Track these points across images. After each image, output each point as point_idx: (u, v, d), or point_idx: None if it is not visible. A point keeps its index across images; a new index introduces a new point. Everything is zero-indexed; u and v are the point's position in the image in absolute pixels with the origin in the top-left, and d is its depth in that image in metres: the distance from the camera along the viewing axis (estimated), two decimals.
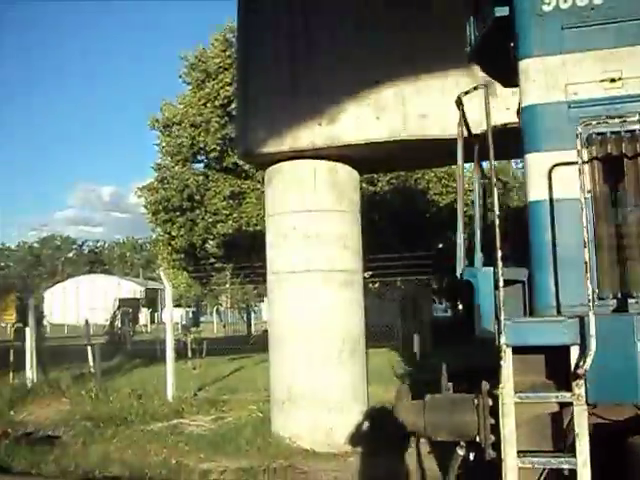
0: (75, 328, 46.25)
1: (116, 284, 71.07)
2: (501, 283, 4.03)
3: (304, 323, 9.15)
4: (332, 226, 9.32)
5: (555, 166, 4.23)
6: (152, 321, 53.23)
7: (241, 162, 24.77)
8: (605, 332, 3.76)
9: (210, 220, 26.28)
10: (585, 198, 3.94)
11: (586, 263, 3.77)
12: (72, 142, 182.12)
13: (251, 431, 9.69)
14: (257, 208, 24.47)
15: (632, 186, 4.06)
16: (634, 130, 4.06)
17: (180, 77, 28.45)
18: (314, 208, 9.28)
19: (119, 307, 33.47)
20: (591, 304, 3.72)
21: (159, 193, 26.83)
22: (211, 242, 27.52)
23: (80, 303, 74.50)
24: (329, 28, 9.19)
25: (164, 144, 27.72)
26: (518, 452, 3.88)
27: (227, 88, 26.20)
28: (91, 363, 17.26)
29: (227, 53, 26.85)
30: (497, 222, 4.18)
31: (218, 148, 26.21)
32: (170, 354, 13.22)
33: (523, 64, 4.53)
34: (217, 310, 39.13)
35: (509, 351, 3.97)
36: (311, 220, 9.26)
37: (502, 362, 3.95)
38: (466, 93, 4.70)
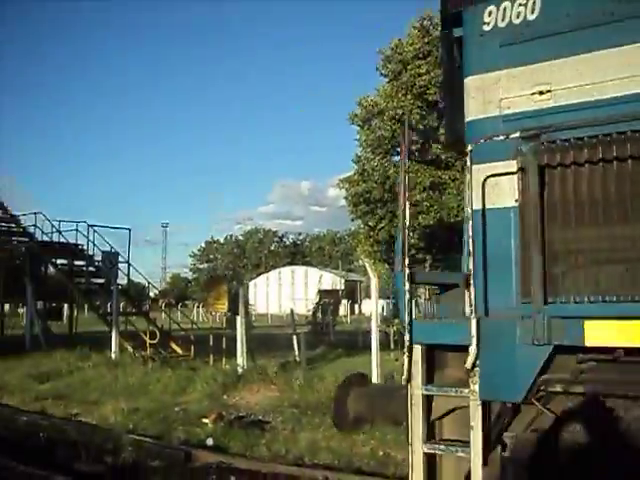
0: (278, 318, 48.45)
1: (318, 275, 73.25)
2: (406, 286, 4.44)
3: None
4: None
5: (488, 177, 4.47)
6: (351, 312, 54.25)
7: (442, 153, 24.13)
8: (493, 335, 4.11)
9: (410, 211, 25.84)
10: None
11: (471, 271, 4.25)
12: (274, 140, 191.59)
13: None
14: (457, 199, 23.75)
15: (557, 195, 4.18)
16: (559, 140, 4.20)
17: (377, 69, 28.40)
18: None
19: (321, 298, 34.28)
20: (473, 308, 4.12)
21: (360, 185, 27.00)
22: (412, 234, 27.16)
23: (282, 293, 78.08)
24: None
25: (364, 137, 27.84)
26: (441, 440, 4.46)
27: (423, 77, 25.72)
28: (296, 352, 17.67)
29: (425, 40, 26.33)
30: (406, 229, 4.68)
31: (420, 140, 25.80)
32: (375, 344, 13.08)
33: (466, 82, 4.80)
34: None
35: (418, 348, 4.43)
36: None
37: (405, 357, 4.42)
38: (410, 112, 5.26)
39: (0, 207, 27.90)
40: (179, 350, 21.53)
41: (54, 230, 25.79)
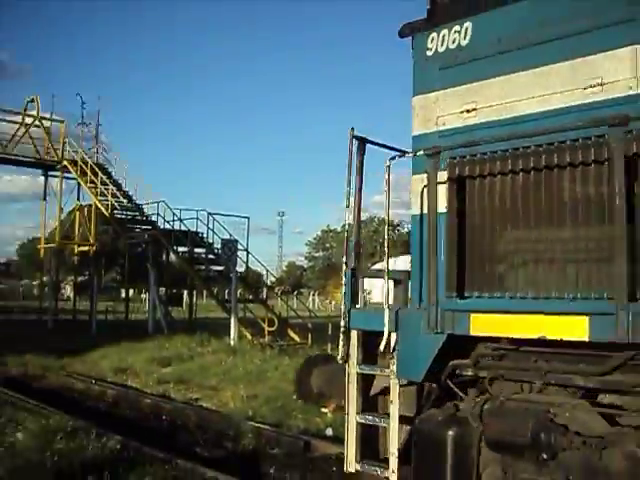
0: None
1: None
2: (344, 280, 5.44)
3: None
4: None
5: (425, 186, 4.98)
6: None
7: None
8: (406, 324, 4.89)
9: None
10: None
11: (387, 269, 5.11)
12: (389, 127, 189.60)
13: None
14: None
15: (476, 201, 4.71)
16: (480, 154, 4.69)
17: None
18: None
19: None
20: (386, 300, 4.90)
21: None
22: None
23: None
24: None
25: None
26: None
27: None
28: None
29: None
30: (354, 235, 5.66)
31: None
32: None
33: (412, 101, 5.41)
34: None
35: (354, 332, 5.31)
36: None
37: (341, 341, 5.29)
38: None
39: (126, 197, 29.03)
40: (297, 338, 21.54)
41: (175, 218, 26.46)
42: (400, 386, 5.04)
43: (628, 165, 3.97)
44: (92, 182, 28.28)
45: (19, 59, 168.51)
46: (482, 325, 4.54)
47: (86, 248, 31.04)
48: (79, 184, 30.16)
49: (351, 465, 5.35)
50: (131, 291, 35.68)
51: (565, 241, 4.33)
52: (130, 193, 29.34)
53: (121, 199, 28.38)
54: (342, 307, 5.40)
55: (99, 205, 27.93)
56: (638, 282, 3.98)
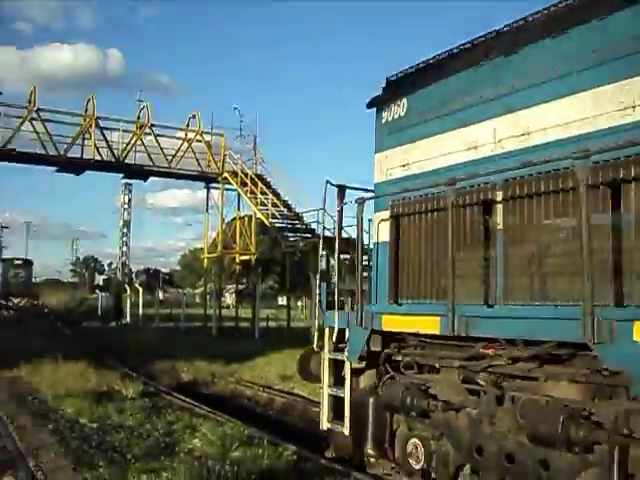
0: None
1: None
2: (317, 290, 8.17)
3: None
4: None
5: (380, 221, 7.22)
6: None
7: None
8: (351, 322, 7.07)
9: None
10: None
11: (359, 285, 7.06)
12: None
13: None
14: None
15: (406, 234, 6.80)
16: (407, 198, 6.73)
17: None
18: None
19: None
20: (355, 304, 7.09)
21: None
22: None
23: None
24: None
25: None
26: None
27: None
28: None
29: None
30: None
31: None
32: None
33: (374, 157, 7.53)
34: None
35: (328, 329, 7.47)
36: None
37: (316, 335, 7.74)
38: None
39: (285, 206, 29.43)
40: None
41: (335, 226, 26.28)
42: (363, 369, 7.21)
43: (488, 207, 5.91)
44: (252, 192, 28.96)
45: (179, 79, 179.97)
46: (388, 323, 6.64)
47: (247, 257, 31.84)
48: (239, 195, 31.02)
49: (324, 424, 7.64)
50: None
51: (438, 263, 6.26)
52: (289, 202, 29.75)
53: (280, 208, 28.81)
54: (316, 311, 8.03)
55: (259, 214, 28.51)
56: (458, 293, 5.73)
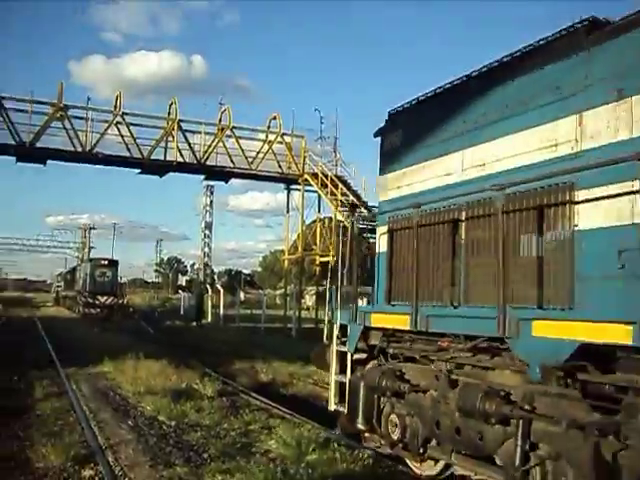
0: None
1: None
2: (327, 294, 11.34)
3: None
4: None
5: (382, 234, 8.38)
6: None
7: None
8: (351, 319, 8.29)
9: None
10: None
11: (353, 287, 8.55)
12: None
13: None
14: None
15: (397, 246, 8.01)
16: (400, 215, 7.86)
17: None
18: None
19: None
20: (353, 304, 8.38)
21: None
22: None
23: None
24: None
25: None
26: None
27: None
28: None
29: None
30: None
31: None
32: None
33: (377, 179, 9.06)
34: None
35: (337, 325, 8.74)
36: None
37: (326, 329, 9.63)
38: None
39: (366, 208, 29.18)
40: None
41: None
42: (366, 359, 8.45)
43: (455, 227, 7.09)
44: (332, 194, 28.83)
45: (260, 83, 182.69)
46: (375, 321, 7.95)
47: (327, 259, 31.75)
48: (319, 196, 30.96)
49: (331, 406, 8.91)
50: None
51: (410, 271, 7.33)
52: (369, 203, 29.49)
53: (361, 209, 28.57)
54: (328, 310, 9.93)
55: (340, 216, 28.36)
56: (421, 294, 7.07)
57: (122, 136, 27.72)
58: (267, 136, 30.94)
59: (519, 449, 5.61)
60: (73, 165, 31.13)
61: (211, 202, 53.27)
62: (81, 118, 27.41)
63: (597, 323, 4.97)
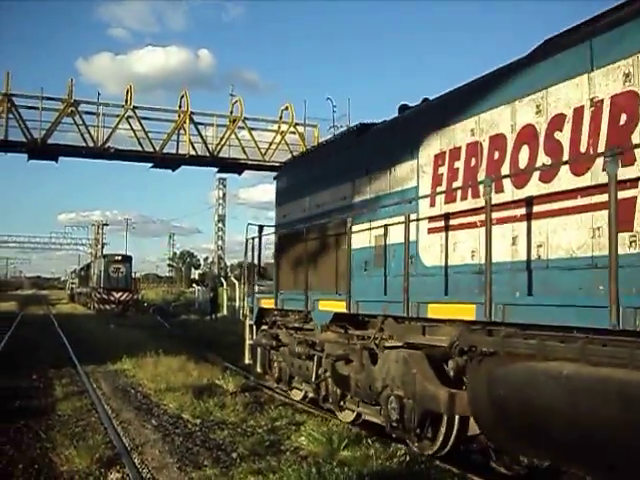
0: None
1: None
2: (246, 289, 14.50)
3: None
4: None
5: (275, 243, 13.29)
6: None
7: None
8: (255, 302, 12.82)
9: None
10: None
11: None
12: None
13: None
14: None
15: (281, 250, 12.60)
16: (282, 232, 12.39)
17: None
18: None
19: None
20: (249, 293, 13.50)
21: None
22: None
23: None
24: None
25: None
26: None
27: None
28: None
29: None
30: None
31: None
32: None
33: (275, 209, 13.41)
34: None
35: (246, 307, 13.57)
36: None
37: (243, 309, 14.94)
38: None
39: None
40: None
41: None
42: (268, 329, 12.30)
43: (303, 242, 10.58)
44: None
45: (266, 77, 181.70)
46: (262, 303, 12.27)
47: None
48: None
49: (246, 360, 13.33)
50: None
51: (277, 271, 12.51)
52: None
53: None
54: (244, 294, 14.03)
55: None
56: (281, 285, 11.89)
57: (133, 130, 27.45)
58: (279, 127, 30.58)
59: (314, 371, 10.27)
60: (84, 161, 30.90)
61: (224, 195, 53.08)
62: (92, 113, 27.16)
63: (343, 302, 8.76)
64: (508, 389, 6.01)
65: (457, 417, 7.16)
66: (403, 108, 9.16)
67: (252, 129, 30.15)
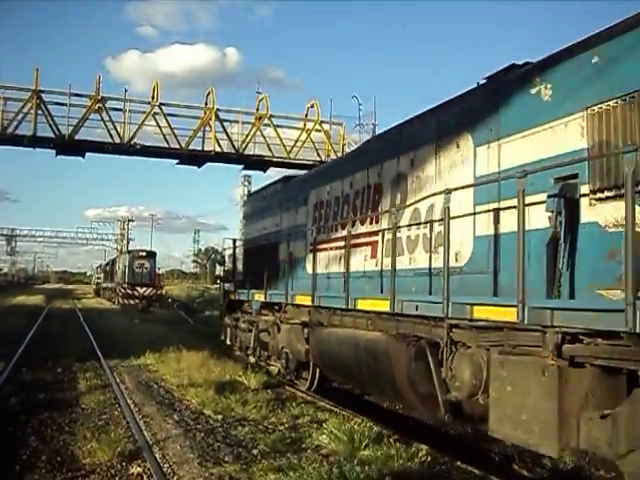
0: None
1: None
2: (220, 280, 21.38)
3: None
4: None
5: (244, 250, 17.93)
6: None
7: None
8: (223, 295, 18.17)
9: None
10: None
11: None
12: None
13: None
14: None
15: (246, 255, 17.43)
16: (250, 244, 17.29)
17: None
18: None
19: None
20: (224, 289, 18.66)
21: None
22: None
23: None
24: None
25: None
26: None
27: None
28: None
29: None
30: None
31: None
32: None
33: (244, 227, 21.57)
34: None
35: (225, 299, 17.68)
36: None
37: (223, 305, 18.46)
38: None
39: None
40: None
41: None
42: (239, 316, 16.48)
43: (262, 252, 14.95)
44: None
45: (292, 74, 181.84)
46: (231, 296, 16.54)
47: None
48: None
49: (225, 340, 17.67)
50: None
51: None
52: None
53: None
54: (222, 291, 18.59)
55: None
56: (248, 283, 15.75)
57: (160, 127, 27.58)
58: (305, 124, 30.53)
59: (252, 340, 14.68)
60: (111, 157, 31.17)
61: (249, 192, 53.12)
62: (119, 110, 27.33)
63: (262, 294, 13.34)
64: (322, 343, 10.71)
65: (311, 363, 11.78)
66: (287, 178, 15.50)
67: (278, 126, 30.15)
